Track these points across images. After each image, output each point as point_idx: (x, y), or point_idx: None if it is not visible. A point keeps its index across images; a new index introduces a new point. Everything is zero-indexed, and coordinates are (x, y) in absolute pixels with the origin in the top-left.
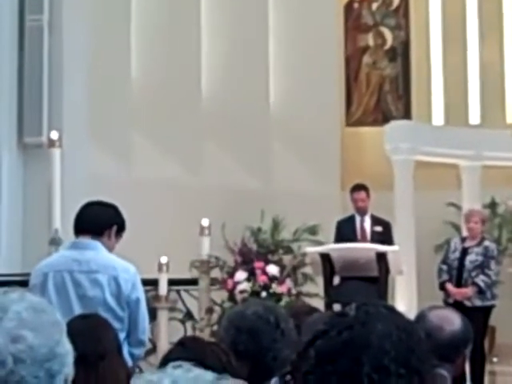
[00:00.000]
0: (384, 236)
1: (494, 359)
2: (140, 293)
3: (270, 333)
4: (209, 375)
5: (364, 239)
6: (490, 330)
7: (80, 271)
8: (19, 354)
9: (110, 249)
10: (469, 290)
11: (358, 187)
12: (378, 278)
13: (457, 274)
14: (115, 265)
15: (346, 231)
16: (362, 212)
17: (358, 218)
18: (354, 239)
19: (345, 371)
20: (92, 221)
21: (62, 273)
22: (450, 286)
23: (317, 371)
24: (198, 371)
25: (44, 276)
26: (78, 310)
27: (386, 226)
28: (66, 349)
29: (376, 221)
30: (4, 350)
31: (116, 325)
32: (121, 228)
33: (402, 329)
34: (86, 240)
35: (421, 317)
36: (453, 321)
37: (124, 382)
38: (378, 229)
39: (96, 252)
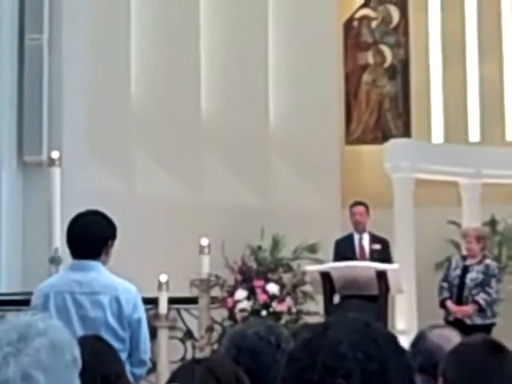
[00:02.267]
0: (383, 254)
1: None
2: (141, 313)
3: (271, 353)
4: None
5: (363, 257)
6: None
7: (81, 292)
8: None
9: (108, 261)
10: (469, 308)
11: (357, 202)
12: (377, 297)
13: (457, 291)
14: (116, 285)
15: (344, 250)
16: (361, 228)
17: (356, 236)
18: (352, 257)
19: (303, 366)
20: (87, 244)
21: (64, 294)
22: (450, 304)
23: (292, 377)
24: None
25: (45, 297)
26: (79, 331)
27: (385, 244)
28: None
29: (374, 239)
30: None
31: (117, 345)
32: (114, 237)
33: (362, 324)
34: (86, 261)
35: (421, 336)
36: (452, 340)
37: None
38: (377, 247)
39: (97, 273)
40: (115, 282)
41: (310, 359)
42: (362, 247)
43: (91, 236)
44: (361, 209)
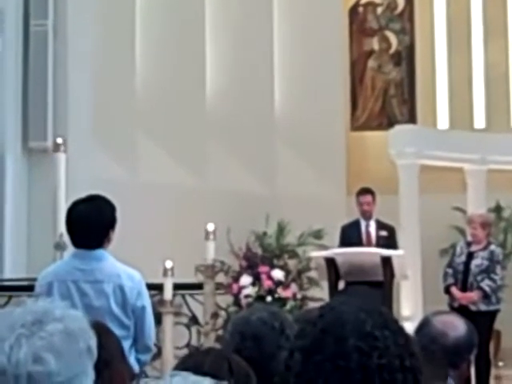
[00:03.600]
0: (389, 240)
1: (500, 363)
2: (145, 300)
3: (275, 339)
4: (207, 381)
5: (369, 244)
6: (495, 335)
7: (85, 281)
8: (35, 375)
9: (109, 244)
10: (474, 295)
11: (365, 191)
12: (382, 283)
13: (462, 277)
14: (120, 273)
15: (350, 236)
16: (368, 216)
17: (363, 223)
18: (359, 244)
19: (333, 353)
20: (89, 234)
21: (67, 283)
22: (455, 290)
23: (308, 367)
24: (194, 378)
25: (48, 285)
26: None
27: (391, 231)
28: (86, 382)
29: (381, 225)
30: (23, 367)
31: (122, 332)
32: (115, 221)
33: (368, 306)
34: (89, 251)
35: (425, 322)
36: (457, 326)
37: None
38: (384, 233)
39: (100, 261)
40: (119, 269)
41: (339, 346)
42: (368, 234)
43: (93, 226)
44: (368, 198)
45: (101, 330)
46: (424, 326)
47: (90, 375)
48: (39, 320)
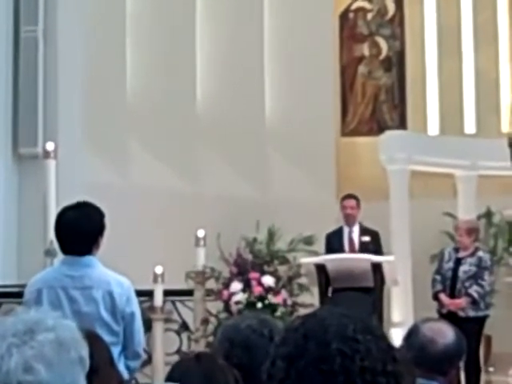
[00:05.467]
0: (372, 245)
1: (491, 369)
2: (135, 306)
3: (264, 346)
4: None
5: (352, 250)
6: (486, 340)
7: (74, 287)
8: None
9: (98, 250)
10: (462, 301)
11: (348, 195)
12: (373, 289)
13: (450, 284)
14: (109, 279)
15: (334, 243)
16: (351, 221)
17: (346, 230)
18: (341, 250)
19: (316, 357)
20: (77, 242)
21: (56, 289)
22: (443, 297)
23: (291, 373)
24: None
25: (38, 292)
26: None
27: (375, 235)
28: None
29: (364, 231)
30: (13, 376)
31: (111, 339)
32: (104, 229)
33: (350, 312)
34: (78, 257)
35: (414, 330)
36: (446, 333)
37: None
38: (366, 239)
39: (90, 268)
40: (108, 276)
41: (322, 350)
42: (351, 240)
43: (81, 233)
44: (352, 202)
45: (89, 336)
46: (413, 333)
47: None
48: (30, 329)
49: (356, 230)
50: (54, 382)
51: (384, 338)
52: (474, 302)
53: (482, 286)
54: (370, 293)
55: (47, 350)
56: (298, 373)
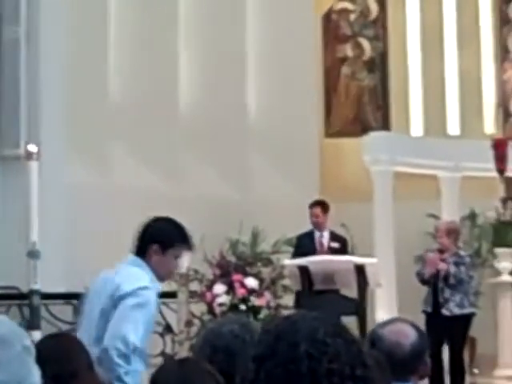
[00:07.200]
0: (341, 252)
1: (475, 370)
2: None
3: (246, 352)
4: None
5: (322, 254)
6: (470, 341)
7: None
8: None
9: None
10: (444, 265)
11: (315, 203)
12: (356, 291)
13: (433, 282)
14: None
15: (305, 245)
16: (319, 227)
17: (317, 233)
18: (313, 253)
19: (285, 358)
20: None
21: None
22: (430, 255)
23: (260, 374)
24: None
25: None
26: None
27: (343, 242)
28: (34, 381)
29: (334, 237)
30: None
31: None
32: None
33: (323, 316)
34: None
35: (375, 337)
36: (408, 333)
37: None
38: (335, 245)
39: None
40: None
41: (291, 351)
42: (321, 244)
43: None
44: (317, 210)
45: (68, 341)
46: (376, 340)
47: (35, 372)
48: None
49: (326, 235)
50: (9, 380)
51: (355, 343)
52: (448, 276)
53: (460, 277)
54: (353, 295)
55: None
56: (266, 373)
